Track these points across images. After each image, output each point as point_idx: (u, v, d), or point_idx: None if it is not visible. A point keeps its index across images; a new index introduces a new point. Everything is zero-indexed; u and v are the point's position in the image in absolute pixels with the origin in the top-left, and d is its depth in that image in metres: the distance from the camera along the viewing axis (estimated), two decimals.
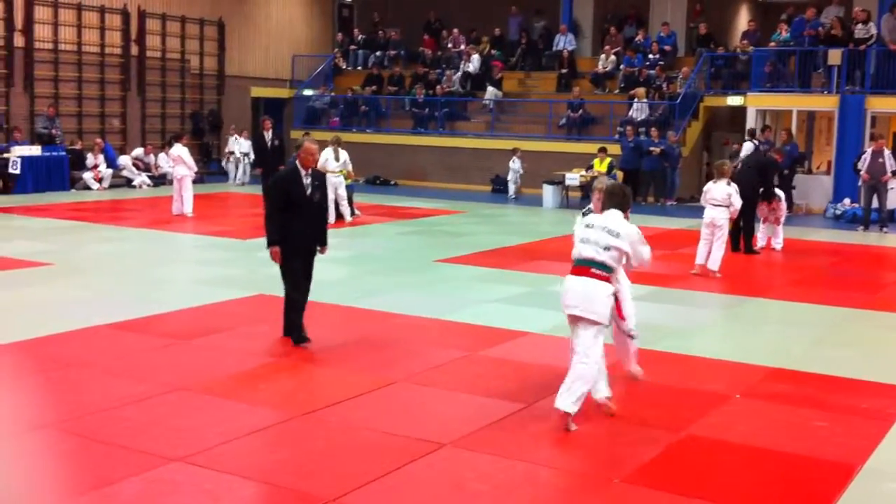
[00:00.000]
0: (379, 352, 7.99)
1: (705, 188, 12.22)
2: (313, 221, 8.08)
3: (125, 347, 7.85)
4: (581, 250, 6.15)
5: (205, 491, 5.02)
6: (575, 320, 6.11)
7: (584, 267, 6.09)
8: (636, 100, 22.36)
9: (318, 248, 8.21)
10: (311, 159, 8.00)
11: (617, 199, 6.28)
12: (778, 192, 14.09)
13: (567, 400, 5.99)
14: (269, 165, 17.82)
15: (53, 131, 20.89)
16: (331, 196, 16.26)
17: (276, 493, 5.02)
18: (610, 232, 6.08)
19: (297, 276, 7.99)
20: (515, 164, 21.75)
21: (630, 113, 22.31)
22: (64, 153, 20.52)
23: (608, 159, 20.20)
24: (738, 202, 11.89)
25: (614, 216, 6.18)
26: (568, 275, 6.20)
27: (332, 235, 14.94)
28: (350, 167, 16.73)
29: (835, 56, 20.08)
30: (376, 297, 10.10)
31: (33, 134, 21.03)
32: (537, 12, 26.81)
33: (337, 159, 16.30)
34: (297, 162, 8.05)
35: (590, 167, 20.15)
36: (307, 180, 7.94)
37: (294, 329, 8.04)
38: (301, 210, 7.91)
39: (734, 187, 11.96)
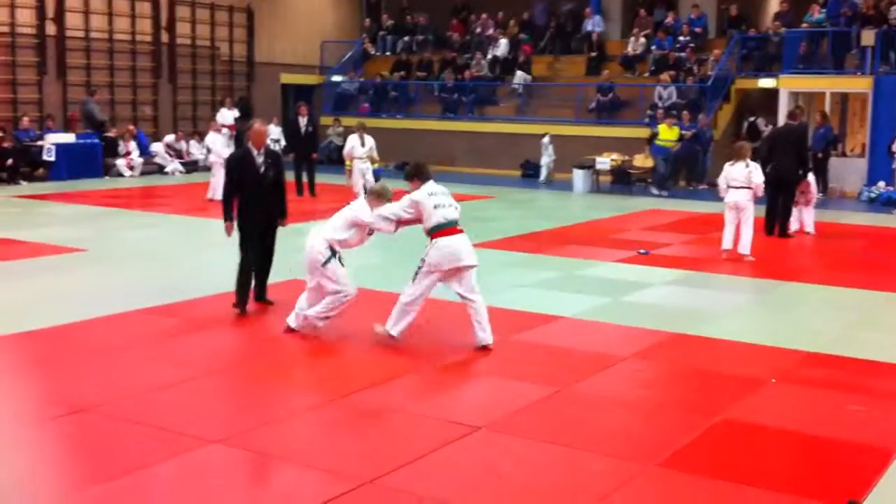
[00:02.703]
0: (411, 337, 7.99)
1: (724, 171, 12.03)
2: (269, 197, 8.62)
3: (161, 332, 7.93)
4: (445, 213, 7.42)
5: (242, 472, 5.08)
6: (460, 270, 7.41)
7: (455, 226, 7.46)
8: (661, 84, 22.17)
9: (280, 221, 8.84)
10: (260, 140, 8.58)
11: (426, 171, 7.66)
12: (806, 173, 13.98)
13: (490, 334, 7.38)
14: (301, 151, 17.92)
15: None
16: (360, 182, 16.34)
17: (313, 474, 5.06)
18: (446, 194, 7.57)
19: (251, 248, 8.62)
20: (548, 149, 21.68)
21: (655, 98, 22.12)
22: (97, 140, 20.70)
23: (676, 128, 19.63)
24: (758, 179, 11.75)
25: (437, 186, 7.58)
26: (448, 237, 7.36)
27: None
28: (375, 153, 16.76)
29: (868, 37, 19.82)
30: (406, 282, 10.09)
31: (66, 120, 21.25)
32: None
33: (363, 145, 16.36)
34: (248, 143, 8.61)
35: (654, 135, 19.60)
36: (259, 159, 8.52)
37: (241, 296, 8.58)
38: (255, 188, 8.48)
39: (753, 166, 11.82)
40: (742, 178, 11.71)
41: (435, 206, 7.44)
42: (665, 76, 22.32)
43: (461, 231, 7.51)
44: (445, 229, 7.42)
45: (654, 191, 19.48)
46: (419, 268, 7.50)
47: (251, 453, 5.30)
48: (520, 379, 6.78)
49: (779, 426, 5.92)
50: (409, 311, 7.52)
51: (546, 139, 21.78)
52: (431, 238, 7.44)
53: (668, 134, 19.23)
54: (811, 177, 14.10)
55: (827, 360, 7.47)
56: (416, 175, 7.66)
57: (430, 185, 7.58)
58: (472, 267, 7.49)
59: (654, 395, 6.56)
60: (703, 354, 7.58)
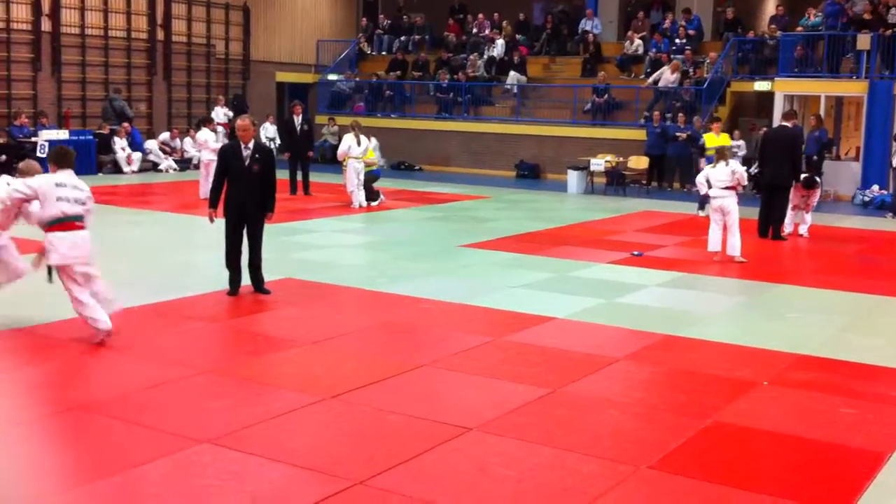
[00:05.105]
0: (404, 336, 8.02)
1: (705, 172, 12.04)
2: (254, 190, 9.00)
3: (153, 330, 7.90)
4: (64, 208, 7.16)
5: (232, 472, 5.06)
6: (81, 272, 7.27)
7: (75, 222, 7.25)
8: (670, 71, 22.11)
9: (266, 215, 9.16)
10: (245, 135, 9.01)
11: (66, 160, 7.41)
12: (817, 179, 14.10)
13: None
14: (297, 150, 17.90)
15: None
16: (354, 181, 16.33)
17: (303, 474, 5.04)
18: (78, 188, 7.36)
19: (231, 237, 9.08)
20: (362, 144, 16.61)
21: (656, 77, 22.19)
22: (91, 137, 20.66)
23: (726, 134, 17.04)
24: (741, 172, 11.83)
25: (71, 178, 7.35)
26: (61, 232, 7.15)
27: (358, 221, 15.12)
28: (379, 152, 16.70)
29: (864, 41, 19.86)
30: (401, 282, 10.12)
31: (60, 117, 21.22)
32: None
33: (359, 144, 16.30)
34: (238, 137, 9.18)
35: (702, 145, 16.82)
36: (246, 153, 8.98)
37: (229, 279, 9.15)
38: (240, 179, 8.96)
39: (733, 163, 11.91)
40: (726, 178, 11.74)
41: (57, 199, 7.18)
42: (676, 63, 22.32)
43: (81, 227, 7.29)
44: (60, 224, 7.18)
45: (701, 213, 15.99)
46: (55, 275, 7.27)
47: (242, 453, 5.28)
48: (512, 380, 6.77)
49: (770, 429, 5.92)
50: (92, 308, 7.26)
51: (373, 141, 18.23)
52: (46, 232, 7.20)
53: (715, 141, 15.99)
54: (819, 181, 14.25)
55: (819, 363, 7.47)
56: (55, 161, 7.36)
57: (62, 176, 7.30)
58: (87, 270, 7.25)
59: (646, 397, 6.56)
60: (695, 356, 7.58)
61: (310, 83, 27.43)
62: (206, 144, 16.76)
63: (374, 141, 16.40)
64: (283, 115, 22.88)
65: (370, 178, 16.75)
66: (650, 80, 22.57)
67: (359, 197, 16.25)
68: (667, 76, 22.25)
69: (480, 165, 23.98)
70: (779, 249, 13.28)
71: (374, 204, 16.52)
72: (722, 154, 11.98)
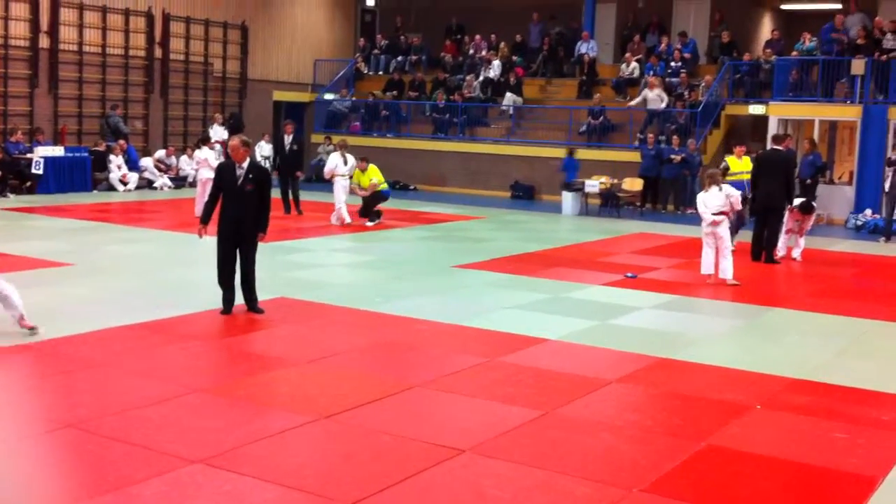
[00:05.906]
0: (398, 356, 8.01)
1: (701, 199, 12.01)
2: (248, 209, 9.04)
3: (146, 348, 7.89)
4: None
5: (225, 493, 5.04)
6: None
7: None
8: (649, 89, 22.23)
9: (258, 235, 9.17)
10: (236, 154, 9.06)
11: None
12: (814, 204, 14.14)
13: None
14: (285, 168, 17.95)
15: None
16: (342, 198, 16.43)
17: (295, 496, 5.03)
18: None
19: (224, 256, 9.07)
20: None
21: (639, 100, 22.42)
22: (86, 154, 20.68)
23: (748, 158, 16.04)
24: (735, 193, 11.93)
25: None
26: None
27: (352, 240, 15.13)
28: (376, 179, 16.79)
29: (858, 66, 19.98)
30: (395, 301, 10.11)
31: (56, 133, 21.24)
32: (552, 17, 26.82)
33: (346, 164, 16.47)
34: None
35: (726, 168, 15.52)
36: (239, 171, 9.02)
37: (226, 302, 9.16)
38: (234, 198, 9.00)
39: (727, 189, 11.95)
40: (720, 203, 11.77)
41: None
42: (654, 80, 22.43)
43: None
44: None
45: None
46: None
47: (235, 473, 5.27)
48: (505, 401, 6.76)
49: (764, 452, 5.92)
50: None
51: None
52: None
53: (738, 166, 15.25)
54: (814, 205, 14.34)
55: (812, 386, 7.48)
56: None
57: None
58: None
59: (640, 420, 6.56)
60: (689, 379, 7.59)
61: (307, 102, 27.50)
62: (205, 163, 16.77)
63: (351, 160, 16.58)
64: (279, 134, 22.92)
65: (380, 198, 16.82)
66: (634, 101, 22.71)
67: (342, 213, 16.35)
68: (647, 94, 22.38)
69: (476, 186, 24.03)
70: (772, 273, 13.31)
71: (370, 224, 16.55)
72: (714, 179, 11.99)
